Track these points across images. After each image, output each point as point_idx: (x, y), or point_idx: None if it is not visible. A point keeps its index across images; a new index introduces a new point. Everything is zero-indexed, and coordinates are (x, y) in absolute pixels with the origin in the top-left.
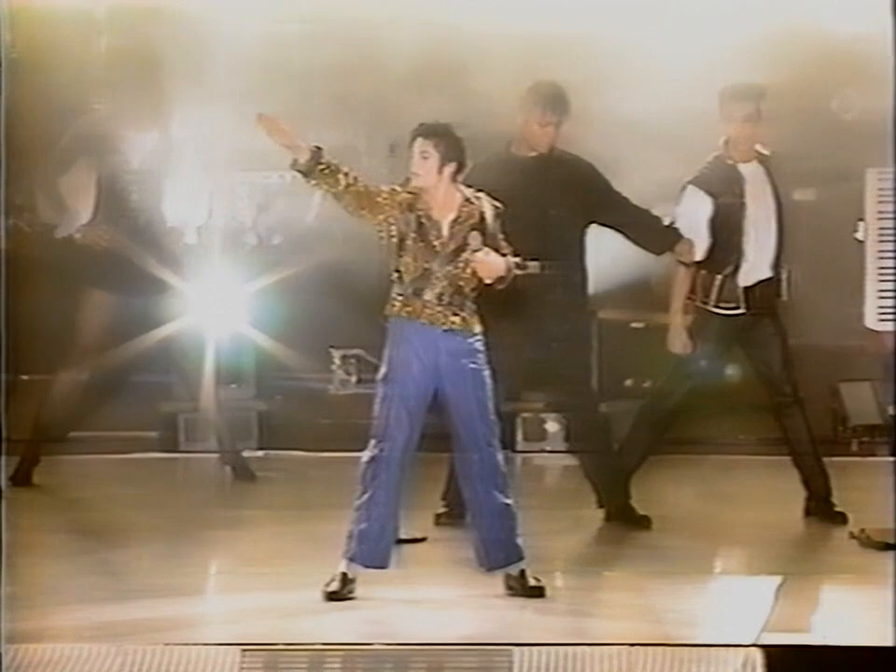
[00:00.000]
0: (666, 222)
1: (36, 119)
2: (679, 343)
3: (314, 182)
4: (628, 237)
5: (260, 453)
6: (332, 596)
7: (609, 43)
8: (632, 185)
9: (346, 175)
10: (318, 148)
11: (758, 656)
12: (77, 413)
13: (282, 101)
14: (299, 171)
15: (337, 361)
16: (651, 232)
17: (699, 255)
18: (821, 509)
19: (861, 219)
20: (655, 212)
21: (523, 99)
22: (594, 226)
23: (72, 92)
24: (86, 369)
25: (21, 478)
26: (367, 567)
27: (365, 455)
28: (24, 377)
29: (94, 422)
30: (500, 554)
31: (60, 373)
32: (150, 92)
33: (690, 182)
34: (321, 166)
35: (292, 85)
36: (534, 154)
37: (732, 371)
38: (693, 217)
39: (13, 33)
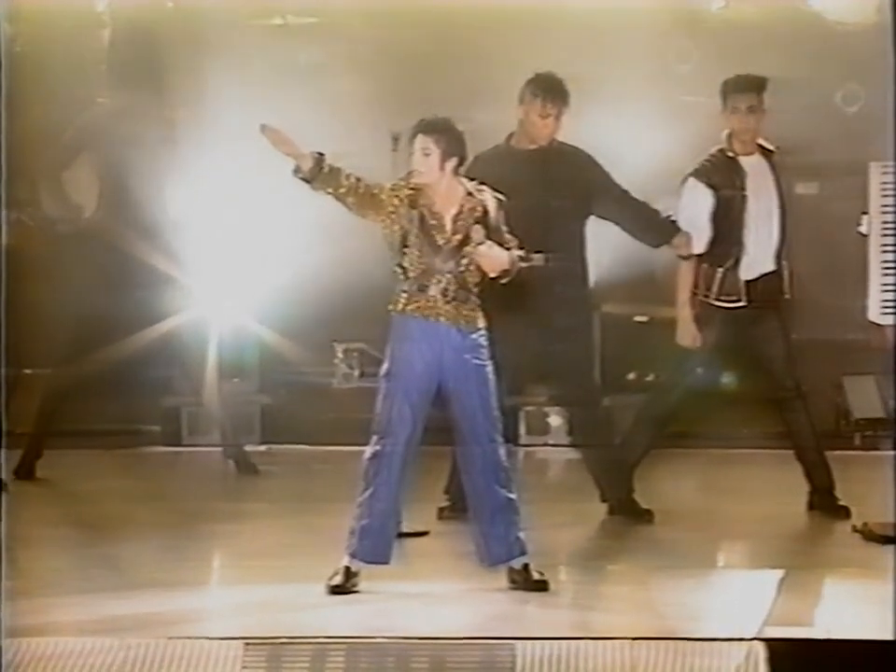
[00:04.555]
0: (665, 215)
1: (40, 114)
2: (689, 336)
3: (317, 187)
4: (626, 229)
5: (263, 447)
6: (336, 590)
7: (610, 36)
8: (634, 177)
9: (348, 177)
10: (321, 155)
11: (761, 650)
12: (80, 407)
13: (283, 94)
14: (302, 178)
15: (340, 355)
16: (649, 225)
17: (700, 248)
18: (824, 502)
19: (865, 213)
20: (657, 205)
21: (522, 91)
22: (596, 219)
23: (75, 86)
24: (89, 363)
25: (24, 471)
26: (368, 562)
27: (367, 451)
28: (27, 371)
29: (97, 416)
30: (501, 550)
31: (62, 367)
32: (153, 86)
33: (690, 174)
34: (324, 172)
35: (294, 78)
36: (534, 146)
37: (735, 366)
38: (693, 210)
39: (16, 26)
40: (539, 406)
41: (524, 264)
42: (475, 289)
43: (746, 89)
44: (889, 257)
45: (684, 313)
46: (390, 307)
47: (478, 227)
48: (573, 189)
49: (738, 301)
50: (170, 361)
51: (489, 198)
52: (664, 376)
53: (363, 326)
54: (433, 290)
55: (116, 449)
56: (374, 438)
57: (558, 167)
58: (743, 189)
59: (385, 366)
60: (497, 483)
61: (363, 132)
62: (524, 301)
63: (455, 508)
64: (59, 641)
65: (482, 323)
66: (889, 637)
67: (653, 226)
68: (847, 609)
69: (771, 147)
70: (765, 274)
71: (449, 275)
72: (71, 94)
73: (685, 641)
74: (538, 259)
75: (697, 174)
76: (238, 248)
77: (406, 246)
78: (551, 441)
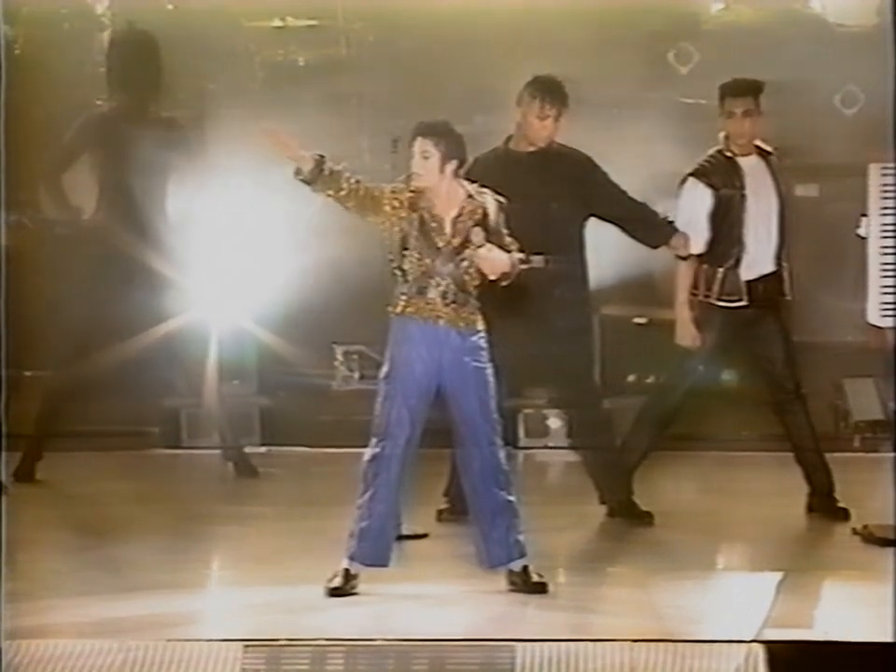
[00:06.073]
0: (664, 216)
1: (39, 115)
2: (688, 336)
3: (317, 190)
4: (624, 230)
5: (263, 449)
6: (335, 592)
7: (610, 38)
8: (633, 179)
9: (348, 179)
10: (321, 157)
11: (760, 652)
12: (80, 409)
13: (283, 96)
14: (302, 180)
15: (339, 357)
16: (647, 226)
17: (699, 248)
18: (824, 505)
19: (864, 215)
20: (657, 207)
21: (521, 93)
22: (596, 222)
23: (75, 88)
24: (88, 365)
25: (23, 474)
26: (367, 565)
27: (367, 454)
28: (27, 373)
29: (97, 418)
30: (501, 552)
31: (62, 369)
32: (153, 88)
33: (690, 174)
34: (324, 174)
35: (294, 80)
36: (533, 148)
37: (734, 367)
38: (693, 210)
39: (16, 29)
40: (538, 408)
41: (523, 266)
42: (474, 292)
43: (742, 92)
44: (889, 259)
45: (683, 313)
46: (390, 309)
47: (478, 229)
48: (572, 190)
49: (740, 300)
50: (169, 363)
51: (489, 200)
52: (664, 378)
53: (363, 328)
54: (433, 293)
55: (115, 451)
56: (373, 440)
57: (557, 169)
58: (742, 188)
59: (384, 368)
60: (497, 486)
61: (363, 134)
62: (523, 304)
63: (455, 510)
64: (58, 643)
65: (481, 325)
66: (888, 639)
67: (652, 227)
68: (847, 612)
69: (768, 149)
70: (766, 275)
71: (448, 278)
72: (71, 96)
73: (684, 643)
74: (537, 261)
75: (696, 173)
76: (238, 250)
77: (406, 249)
78: (550, 444)
